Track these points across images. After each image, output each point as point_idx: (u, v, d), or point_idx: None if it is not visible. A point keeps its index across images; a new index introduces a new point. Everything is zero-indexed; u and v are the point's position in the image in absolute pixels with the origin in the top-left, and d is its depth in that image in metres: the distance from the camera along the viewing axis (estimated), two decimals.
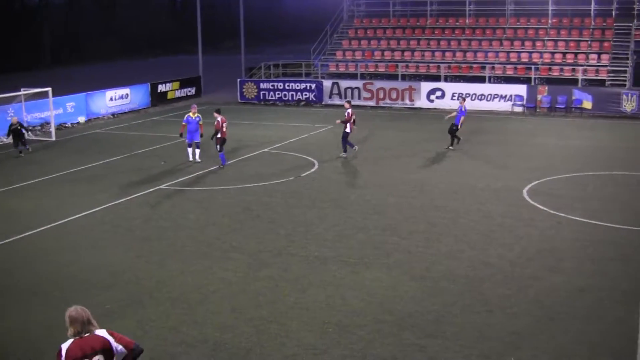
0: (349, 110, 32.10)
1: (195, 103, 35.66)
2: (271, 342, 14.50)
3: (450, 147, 34.15)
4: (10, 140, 36.10)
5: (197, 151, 32.06)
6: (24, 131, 35.78)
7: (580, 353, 13.94)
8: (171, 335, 14.95)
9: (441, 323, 15.29)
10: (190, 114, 32.10)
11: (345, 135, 32.22)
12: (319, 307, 16.25)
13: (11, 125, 35.67)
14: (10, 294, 17.49)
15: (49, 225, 23.11)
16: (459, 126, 34.09)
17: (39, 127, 42.34)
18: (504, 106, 47.46)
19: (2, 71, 78.84)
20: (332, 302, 16.49)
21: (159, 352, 14.17)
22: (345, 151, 32.30)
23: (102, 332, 9.21)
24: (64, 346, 9.03)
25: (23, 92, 40.89)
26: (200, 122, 31.94)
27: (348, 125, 32.03)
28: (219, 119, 30.35)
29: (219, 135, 30.32)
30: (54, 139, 39.80)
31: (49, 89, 41.26)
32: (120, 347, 9.24)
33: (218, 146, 30.49)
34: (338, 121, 32.89)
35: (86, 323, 9.09)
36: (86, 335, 9.08)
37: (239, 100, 53.84)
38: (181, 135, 32.68)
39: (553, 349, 14.09)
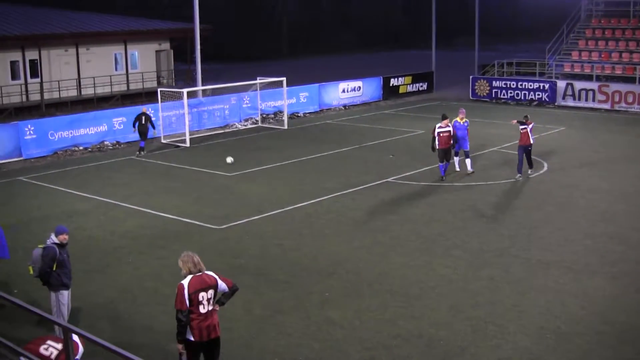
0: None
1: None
2: (486, 343, 14.49)
3: None
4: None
5: (469, 161, 29.11)
6: (150, 127, 34.84)
7: None
8: (387, 328, 15.23)
9: None
10: (458, 118, 29.02)
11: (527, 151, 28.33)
12: (538, 311, 16.05)
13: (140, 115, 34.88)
14: (238, 273, 18.35)
15: (278, 210, 24.08)
16: None
17: (272, 116, 43.95)
18: None
19: (245, 59, 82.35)
20: (552, 308, 16.23)
21: (374, 343, 14.49)
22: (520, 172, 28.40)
23: (210, 272, 11.71)
24: (185, 282, 11.40)
25: (259, 80, 42.58)
26: (468, 127, 29.26)
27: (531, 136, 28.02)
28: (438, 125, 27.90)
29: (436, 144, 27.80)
30: (286, 127, 41.18)
31: (284, 78, 42.72)
32: (223, 284, 11.78)
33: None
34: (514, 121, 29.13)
35: (196, 264, 11.57)
36: (199, 273, 11.52)
37: (471, 98, 53.56)
38: (456, 141, 28.48)
39: None
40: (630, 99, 47.66)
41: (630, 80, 49.83)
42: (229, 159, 31.04)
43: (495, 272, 18.47)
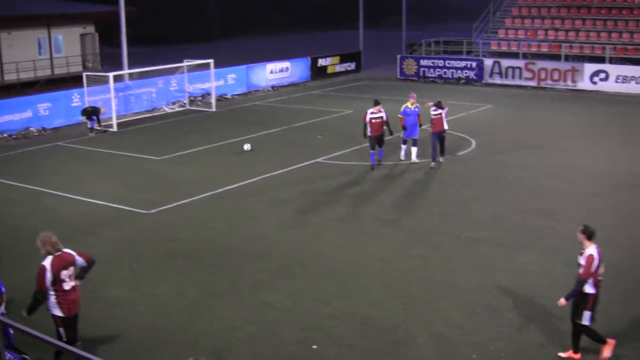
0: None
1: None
2: (418, 320, 14.61)
3: None
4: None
5: (415, 149, 27.44)
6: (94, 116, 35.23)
7: None
8: (321, 308, 15.27)
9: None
10: (409, 103, 27.31)
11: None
12: (469, 287, 16.24)
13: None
14: (170, 257, 18.21)
15: (208, 193, 23.93)
16: None
17: (200, 98, 43.60)
18: None
19: (175, 42, 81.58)
20: (482, 283, 16.44)
21: (308, 324, 14.51)
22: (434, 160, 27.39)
23: (68, 250, 12.32)
24: (46, 262, 11.99)
25: (186, 63, 42.20)
26: (419, 113, 27.44)
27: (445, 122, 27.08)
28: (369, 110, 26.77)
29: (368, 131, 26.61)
30: (214, 109, 40.89)
31: (211, 60, 42.40)
32: (80, 259, 12.39)
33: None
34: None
35: (54, 244, 12.15)
36: (58, 253, 12.10)
37: (399, 77, 53.80)
38: (405, 128, 27.29)
39: None
40: (556, 76, 48.33)
41: (556, 57, 50.53)
42: (247, 146, 30.01)
43: (426, 249, 18.62)
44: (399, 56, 55.23)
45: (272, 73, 49.89)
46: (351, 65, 57.68)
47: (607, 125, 34.59)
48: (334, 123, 35.81)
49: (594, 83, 47.36)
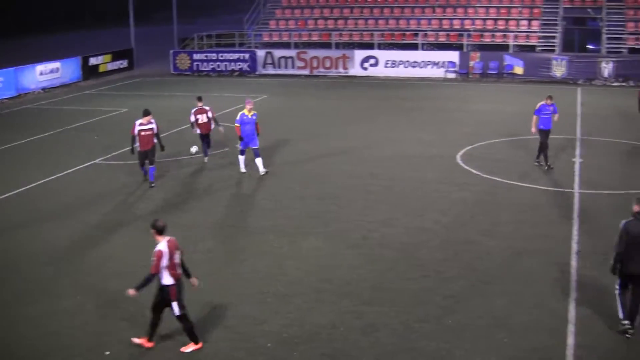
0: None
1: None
2: (211, 314, 14.50)
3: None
4: None
5: (259, 161, 24.54)
6: None
7: (516, 315, 14.21)
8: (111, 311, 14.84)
9: (378, 290, 15.46)
10: (245, 111, 24.42)
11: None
12: (257, 277, 16.30)
13: None
14: None
15: None
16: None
17: None
18: (437, 73, 47.86)
19: None
20: (270, 272, 16.56)
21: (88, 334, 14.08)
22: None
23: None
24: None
25: None
26: (257, 121, 24.71)
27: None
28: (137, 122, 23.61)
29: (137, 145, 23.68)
30: None
31: None
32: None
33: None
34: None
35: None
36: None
37: (173, 72, 53.35)
38: (241, 138, 24.53)
39: (489, 312, 14.35)
40: (327, 64, 49.51)
41: (327, 45, 51.68)
42: (194, 149, 26.91)
43: (213, 243, 18.55)
44: (171, 51, 54.76)
45: (42, 74, 48.06)
46: (123, 63, 56.59)
47: (378, 108, 35.76)
48: (109, 122, 34.98)
49: (365, 69, 48.92)
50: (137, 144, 23.41)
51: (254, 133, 24.35)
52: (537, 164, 25.11)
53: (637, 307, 13.31)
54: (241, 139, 24.42)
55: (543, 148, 24.83)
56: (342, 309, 14.56)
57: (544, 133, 24.76)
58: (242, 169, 24.86)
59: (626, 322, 13.32)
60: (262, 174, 24.41)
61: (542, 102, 24.96)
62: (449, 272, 16.33)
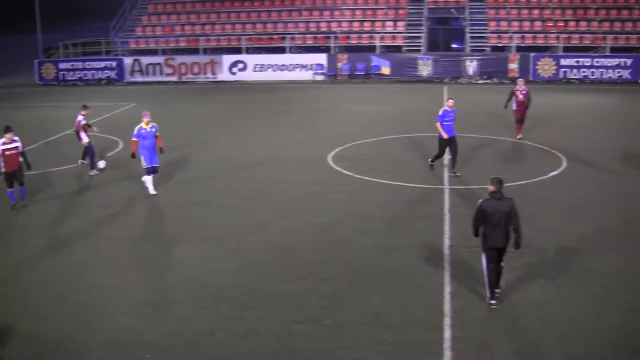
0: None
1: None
2: (89, 328, 14.19)
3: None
4: None
5: (150, 178, 22.89)
6: None
7: (393, 310, 14.46)
8: None
9: (256, 293, 15.48)
10: (143, 124, 22.52)
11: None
12: (133, 287, 16.08)
13: None
14: None
15: None
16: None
17: None
18: (306, 75, 48.33)
19: None
20: (146, 282, 16.38)
21: None
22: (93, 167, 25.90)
23: None
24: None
25: None
26: (158, 134, 22.79)
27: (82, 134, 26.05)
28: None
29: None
30: None
31: None
32: None
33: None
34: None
35: None
36: None
37: (38, 82, 52.13)
38: (134, 155, 22.70)
39: (367, 309, 14.54)
40: (196, 70, 49.36)
41: (195, 51, 51.49)
42: (102, 163, 25.97)
43: (85, 255, 18.13)
44: (36, 61, 53.48)
45: None
46: None
47: (247, 112, 35.82)
48: None
49: (233, 73, 48.99)
50: (2, 164, 21.64)
51: (154, 148, 22.49)
52: (430, 164, 24.76)
53: (498, 278, 14.57)
54: (134, 156, 22.58)
55: (452, 154, 24.04)
56: (221, 314, 14.52)
57: (449, 140, 23.71)
58: (152, 191, 22.84)
59: (493, 302, 14.47)
60: (152, 194, 22.80)
61: (444, 108, 23.91)
62: (326, 272, 16.47)
